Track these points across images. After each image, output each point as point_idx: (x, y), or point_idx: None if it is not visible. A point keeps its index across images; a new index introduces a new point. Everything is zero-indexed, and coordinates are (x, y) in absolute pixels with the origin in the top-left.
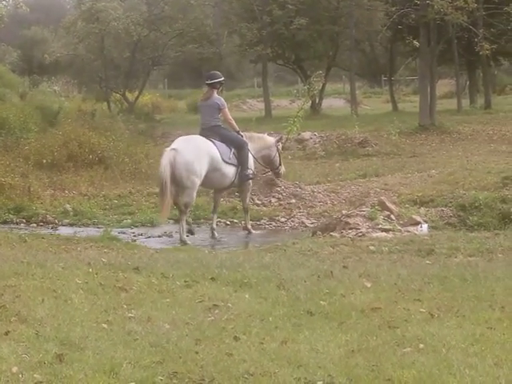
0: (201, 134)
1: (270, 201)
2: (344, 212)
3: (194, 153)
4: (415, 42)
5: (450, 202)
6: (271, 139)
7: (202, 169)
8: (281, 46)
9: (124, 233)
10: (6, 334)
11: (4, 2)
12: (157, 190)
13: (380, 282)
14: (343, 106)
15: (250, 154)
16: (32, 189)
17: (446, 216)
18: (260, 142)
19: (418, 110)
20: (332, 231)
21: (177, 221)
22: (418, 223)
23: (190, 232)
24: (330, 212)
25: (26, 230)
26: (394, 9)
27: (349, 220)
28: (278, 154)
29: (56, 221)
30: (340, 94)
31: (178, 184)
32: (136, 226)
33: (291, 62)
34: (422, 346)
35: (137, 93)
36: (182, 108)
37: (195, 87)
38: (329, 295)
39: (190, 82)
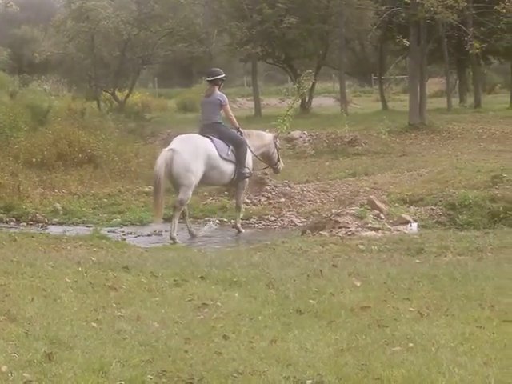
0: (201, 131)
1: (260, 200)
2: (333, 211)
3: (192, 152)
4: (405, 41)
5: (440, 201)
6: (270, 136)
7: (198, 169)
8: (271, 44)
9: (113, 232)
10: None
11: None
12: (146, 189)
13: (369, 280)
14: (333, 104)
15: (248, 153)
16: (22, 188)
17: (436, 215)
18: (259, 139)
19: (407, 108)
20: (321, 230)
21: (167, 219)
22: (407, 222)
23: (191, 234)
24: (319, 211)
25: (16, 228)
26: (383, 8)
27: (338, 219)
28: (276, 150)
29: (46, 220)
30: (330, 93)
31: (174, 182)
32: (125, 225)
33: (281, 61)
34: (411, 344)
35: (127, 92)
36: (171, 107)
37: (185, 86)
38: (318, 294)
39: (179, 81)
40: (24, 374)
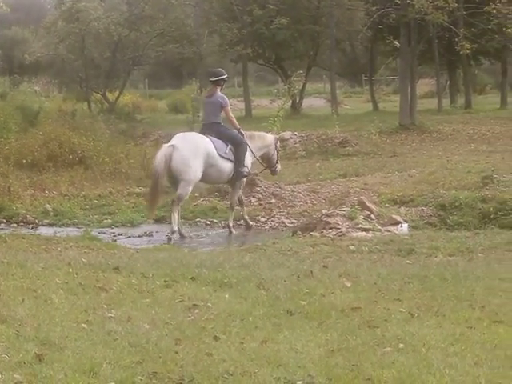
0: (201, 130)
1: (250, 200)
2: (324, 212)
3: (191, 149)
4: (395, 42)
5: (431, 202)
6: (271, 137)
7: (197, 165)
8: (261, 45)
9: (104, 233)
10: None
11: None
12: (137, 190)
13: (360, 281)
14: (324, 105)
15: (248, 153)
16: (12, 189)
17: (427, 215)
18: (260, 140)
19: (398, 109)
20: (312, 231)
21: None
22: (398, 223)
23: (181, 235)
24: (310, 212)
25: (7, 229)
26: (374, 8)
27: (329, 220)
28: (276, 152)
29: (36, 221)
30: (320, 94)
31: (174, 178)
32: (116, 226)
33: (272, 62)
34: (401, 345)
35: (117, 93)
36: (162, 108)
37: (175, 87)
38: (309, 295)
39: (170, 82)
40: (15, 375)
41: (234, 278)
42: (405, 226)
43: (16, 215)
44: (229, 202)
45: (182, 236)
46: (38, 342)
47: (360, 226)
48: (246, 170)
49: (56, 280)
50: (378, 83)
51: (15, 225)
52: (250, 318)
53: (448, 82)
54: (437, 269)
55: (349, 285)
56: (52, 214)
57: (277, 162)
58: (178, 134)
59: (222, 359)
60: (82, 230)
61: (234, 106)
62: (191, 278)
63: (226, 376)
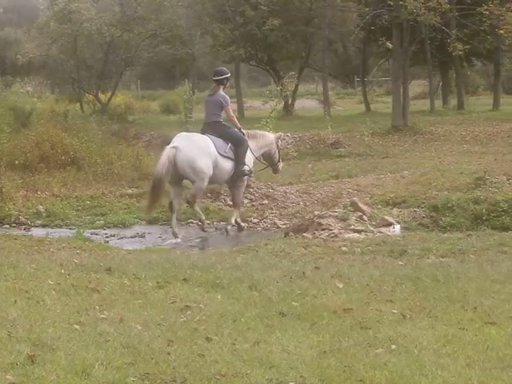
0: (202, 129)
1: (243, 202)
2: (316, 213)
3: (194, 149)
4: (388, 44)
5: (423, 203)
6: (272, 136)
7: (207, 163)
8: (253, 46)
9: (96, 234)
10: None
11: None
12: (129, 191)
13: (352, 282)
14: (316, 106)
15: (249, 152)
16: (4, 190)
17: (419, 217)
18: (262, 139)
19: (390, 110)
20: (304, 232)
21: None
22: (390, 224)
23: (174, 235)
24: (302, 213)
25: None
26: (367, 9)
27: (321, 221)
28: (277, 151)
29: (29, 222)
30: (313, 95)
31: (181, 178)
32: (108, 227)
33: (264, 63)
34: (394, 346)
35: (110, 94)
36: (154, 109)
37: (168, 88)
38: (301, 296)
39: (162, 83)
40: (7, 377)
41: (226, 279)
42: (397, 227)
43: (8, 216)
44: (222, 203)
45: (175, 236)
46: (30, 343)
47: (352, 227)
48: (246, 168)
49: (48, 281)
50: (371, 84)
51: (7, 226)
52: (243, 319)
53: (440, 83)
54: (429, 270)
55: (341, 286)
56: (44, 215)
57: (278, 161)
58: (179, 134)
59: (214, 360)
60: (74, 231)
61: None
62: (183, 279)
63: (218, 377)
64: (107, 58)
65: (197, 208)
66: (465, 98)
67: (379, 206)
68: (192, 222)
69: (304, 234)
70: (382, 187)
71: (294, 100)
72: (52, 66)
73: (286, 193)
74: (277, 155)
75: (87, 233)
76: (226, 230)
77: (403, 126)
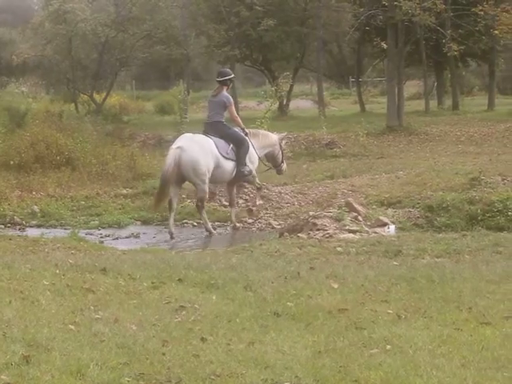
0: (203, 129)
1: (238, 202)
2: (311, 213)
3: (199, 151)
4: (383, 44)
5: (418, 203)
6: (275, 137)
7: (208, 165)
8: (248, 47)
9: (91, 234)
10: None
11: None
12: (124, 191)
13: (347, 283)
14: (311, 107)
15: (252, 152)
16: None
17: (414, 217)
18: (265, 139)
19: (385, 111)
20: (299, 232)
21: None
22: (385, 224)
23: (171, 235)
24: (297, 213)
25: None
26: (361, 10)
27: (316, 221)
28: (281, 152)
29: (23, 222)
30: (307, 95)
31: (186, 179)
32: (103, 227)
33: (259, 63)
34: (389, 347)
35: (104, 94)
36: (149, 109)
37: (163, 88)
38: (296, 296)
39: (157, 83)
40: (2, 377)
41: (221, 280)
42: (392, 227)
43: (3, 216)
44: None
45: (171, 236)
46: (25, 343)
47: (347, 227)
48: (247, 169)
49: (43, 281)
50: (366, 85)
51: (2, 226)
52: (237, 320)
53: (435, 84)
54: (424, 270)
55: (336, 286)
56: (39, 215)
57: (282, 162)
58: (183, 135)
59: (209, 360)
60: (69, 231)
61: None
62: (178, 280)
63: (213, 377)
64: (102, 59)
65: (204, 215)
66: (460, 98)
67: (374, 207)
68: (187, 223)
69: (299, 235)
70: (376, 187)
71: (288, 100)
72: (47, 66)
73: (280, 193)
74: (280, 156)
75: (82, 233)
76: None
77: (398, 126)
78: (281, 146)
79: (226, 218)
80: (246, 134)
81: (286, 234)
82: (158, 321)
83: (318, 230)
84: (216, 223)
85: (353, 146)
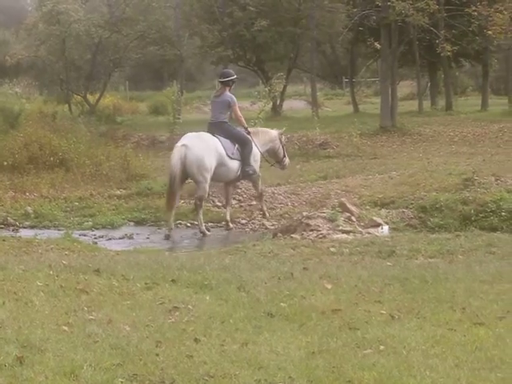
0: (208, 129)
1: (231, 202)
2: (305, 214)
3: (204, 148)
4: (376, 44)
5: (411, 204)
6: (275, 132)
7: (211, 163)
8: (242, 47)
9: (85, 235)
10: None
11: None
12: (117, 192)
13: (340, 283)
14: (304, 107)
15: (255, 151)
16: None
17: (407, 217)
18: (265, 136)
19: (379, 111)
20: (292, 233)
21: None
22: (378, 225)
23: (167, 237)
24: (290, 214)
25: None
26: (355, 10)
27: (309, 222)
28: (281, 146)
29: (17, 223)
30: (301, 96)
31: (189, 178)
32: (97, 228)
33: (252, 64)
34: (382, 347)
35: (98, 95)
36: (143, 110)
37: (156, 89)
38: (289, 297)
39: (151, 84)
40: None
41: (214, 280)
42: (385, 228)
43: None
44: (210, 204)
45: (167, 236)
46: (18, 344)
47: (341, 227)
48: (251, 169)
49: (37, 282)
50: (359, 85)
51: None
52: (231, 320)
53: (429, 84)
54: (417, 271)
55: (329, 287)
56: (33, 216)
57: (284, 156)
58: (188, 134)
59: (202, 361)
60: (62, 232)
61: None
62: (172, 281)
63: (206, 378)
64: (95, 60)
65: (200, 215)
66: (453, 98)
67: (367, 207)
68: (180, 223)
69: (292, 235)
70: (370, 188)
71: (282, 101)
72: (40, 67)
73: (274, 194)
74: (281, 151)
75: (76, 234)
76: (264, 213)
77: (391, 126)
78: (281, 140)
79: (220, 219)
80: (249, 133)
81: (280, 234)
82: (152, 322)
83: (312, 230)
84: (209, 224)
85: (346, 147)
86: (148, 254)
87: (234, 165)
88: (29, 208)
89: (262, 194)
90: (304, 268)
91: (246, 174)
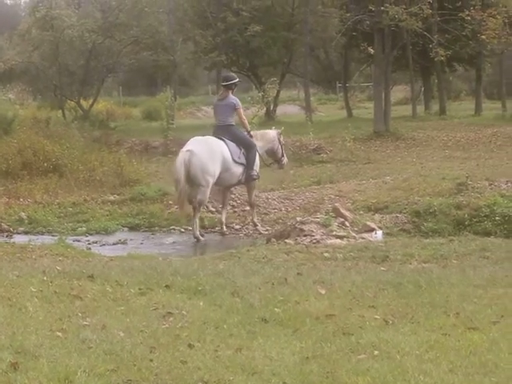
0: (214, 132)
1: (227, 207)
2: (298, 219)
3: (209, 154)
4: (370, 49)
5: (405, 209)
6: (273, 132)
7: (215, 169)
8: (235, 52)
9: (79, 241)
10: None
11: None
12: (111, 197)
13: (334, 288)
14: (298, 112)
15: (257, 155)
16: None
17: (401, 222)
18: (263, 138)
19: (372, 116)
20: (286, 238)
21: (132, 228)
22: (372, 230)
23: (197, 237)
24: (284, 219)
25: None
26: (348, 15)
27: (303, 227)
28: (280, 146)
29: (11, 229)
30: (295, 101)
31: (192, 183)
32: (91, 234)
33: (246, 69)
34: (376, 352)
35: (91, 100)
36: (136, 115)
37: (149, 94)
38: (283, 302)
39: (144, 90)
40: None
41: (208, 286)
42: (379, 232)
43: None
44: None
45: (198, 238)
46: (12, 350)
47: (334, 233)
48: (255, 172)
49: (31, 288)
50: (353, 90)
51: None
52: (225, 326)
53: (422, 89)
54: (411, 276)
55: (323, 292)
56: (27, 221)
57: (282, 156)
58: (193, 138)
59: (196, 367)
60: (56, 237)
61: (207, 114)
62: (166, 286)
63: None
64: (89, 65)
65: (197, 219)
66: (447, 103)
67: (361, 212)
68: (174, 229)
69: (286, 240)
70: (363, 193)
71: (275, 106)
72: (34, 72)
73: (267, 199)
74: (280, 150)
75: (69, 240)
76: (256, 229)
77: (385, 131)
78: (279, 140)
79: (214, 224)
80: (251, 137)
81: (273, 239)
82: (146, 327)
83: (305, 235)
84: (203, 230)
85: (340, 152)
86: (142, 260)
87: (239, 169)
88: (23, 214)
89: (254, 203)
90: (298, 273)
91: (249, 177)
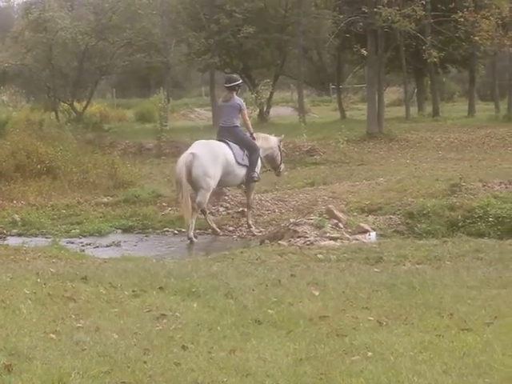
0: (218, 133)
1: (218, 210)
2: (292, 220)
3: (211, 157)
4: (363, 51)
5: (398, 210)
6: (275, 139)
7: (216, 173)
8: (228, 54)
9: (72, 243)
10: None
11: None
12: (104, 199)
13: (328, 290)
14: (291, 114)
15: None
16: None
17: (394, 224)
18: (265, 142)
19: (366, 117)
20: (280, 240)
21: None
22: (366, 231)
23: (214, 232)
24: (277, 220)
25: None
26: (341, 17)
27: (297, 228)
28: (279, 153)
29: (4, 231)
30: (288, 103)
31: (193, 185)
32: (84, 236)
33: (239, 71)
34: (370, 353)
35: (85, 102)
36: (129, 117)
37: (143, 96)
38: (277, 304)
39: (137, 92)
40: None
41: (201, 288)
42: (373, 234)
43: None
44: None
45: (215, 233)
46: (6, 352)
47: (328, 234)
48: (256, 174)
49: (24, 290)
50: (346, 91)
51: None
52: (218, 328)
53: (416, 90)
54: (405, 277)
55: (317, 293)
56: (20, 224)
57: (280, 163)
58: (197, 141)
59: (190, 369)
60: (50, 239)
61: (201, 115)
62: (159, 288)
63: None
64: (82, 67)
65: (193, 220)
66: (440, 104)
67: (355, 213)
68: (168, 231)
69: (280, 242)
70: (357, 194)
71: (269, 107)
72: (27, 74)
73: (261, 200)
74: (279, 158)
75: (63, 242)
76: (250, 231)
77: (378, 133)
78: (279, 147)
79: (207, 226)
80: (254, 139)
81: (267, 241)
82: (139, 329)
83: (299, 237)
84: (196, 231)
85: (333, 153)
86: (135, 262)
87: (242, 171)
88: (16, 216)
89: (251, 205)
90: (291, 275)
91: (250, 179)
